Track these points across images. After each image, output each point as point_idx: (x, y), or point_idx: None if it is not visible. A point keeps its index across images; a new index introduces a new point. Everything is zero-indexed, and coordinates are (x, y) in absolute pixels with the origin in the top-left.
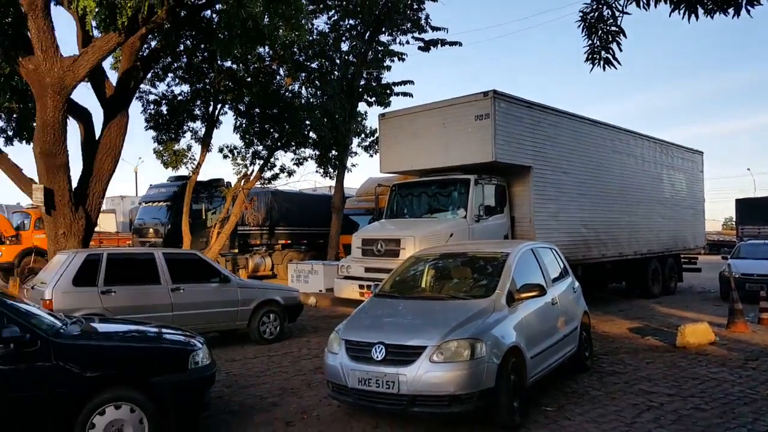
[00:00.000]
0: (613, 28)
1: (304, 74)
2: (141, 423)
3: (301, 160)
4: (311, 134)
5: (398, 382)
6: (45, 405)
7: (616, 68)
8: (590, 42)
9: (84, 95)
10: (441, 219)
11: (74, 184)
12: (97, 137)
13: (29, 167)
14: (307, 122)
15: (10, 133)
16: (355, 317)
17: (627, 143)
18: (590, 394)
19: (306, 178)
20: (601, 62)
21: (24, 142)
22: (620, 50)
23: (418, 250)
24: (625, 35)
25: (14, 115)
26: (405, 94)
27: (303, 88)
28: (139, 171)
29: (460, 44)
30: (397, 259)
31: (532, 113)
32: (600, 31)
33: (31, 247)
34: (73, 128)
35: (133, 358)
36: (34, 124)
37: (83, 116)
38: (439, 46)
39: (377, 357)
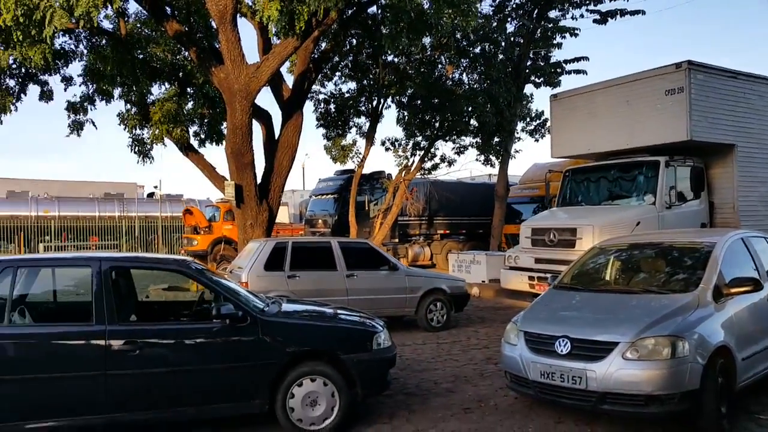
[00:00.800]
0: None
1: (466, 60)
2: (333, 396)
3: (462, 149)
4: (473, 121)
5: (586, 378)
6: (253, 374)
7: None
8: None
9: (262, 98)
10: (624, 206)
11: (258, 180)
12: (276, 136)
13: (219, 166)
14: (469, 109)
15: (202, 136)
16: (534, 309)
17: None
18: None
19: (466, 166)
20: None
21: (214, 143)
22: None
23: (600, 240)
24: None
25: (206, 120)
26: (578, 71)
27: (464, 74)
28: (306, 166)
29: (643, 13)
30: (573, 250)
31: (734, 84)
32: None
33: (221, 236)
34: (257, 129)
35: (326, 336)
36: (223, 127)
37: (264, 118)
38: (617, 17)
39: (561, 351)
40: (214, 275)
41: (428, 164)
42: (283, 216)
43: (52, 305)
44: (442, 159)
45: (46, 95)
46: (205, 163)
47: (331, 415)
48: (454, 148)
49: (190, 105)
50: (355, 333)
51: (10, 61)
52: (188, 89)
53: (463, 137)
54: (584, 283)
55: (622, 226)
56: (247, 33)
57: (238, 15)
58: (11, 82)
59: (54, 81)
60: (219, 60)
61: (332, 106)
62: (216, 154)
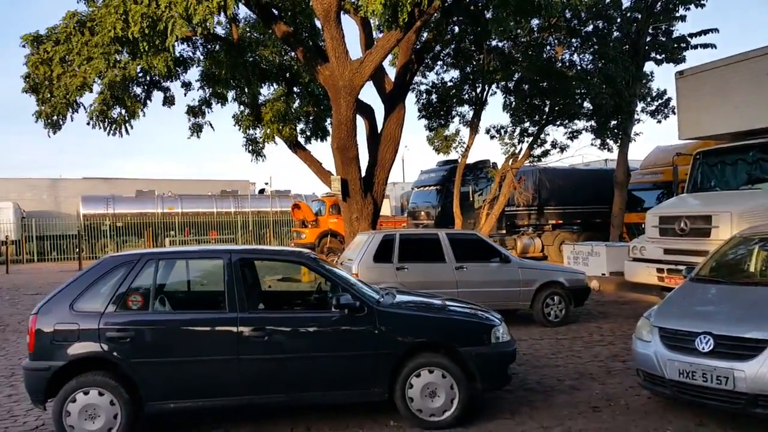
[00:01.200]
0: None
1: (577, 40)
2: (452, 389)
3: (574, 134)
4: (587, 104)
5: (733, 378)
6: (371, 363)
7: None
8: None
9: (365, 92)
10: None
11: (363, 174)
12: (379, 130)
13: (325, 161)
14: (583, 91)
15: (308, 133)
16: (668, 303)
17: None
18: None
19: (580, 152)
20: None
21: (319, 140)
22: None
23: (739, 229)
24: None
25: (311, 117)
26: (705, 45)
27: (576, 55)
28: (405, 158)
29: None
30: (708, 240)
31: None
32: None
33: (327, 230)
34: (360, 124)
35: (442, 328)
36: (328, 124)
37: (367, 112)
38: None
39: (703, 348)
40: (331, 266)
41: (537, 151)
42: (384, 209)
43: (187, 294)
44: (553, 145)
45: (169, 101)
46: (312, 159)
47: (450, 407)
48: (566, 133)
49: (296, 104)
50: (473, 326)
51: (138, 70)
52: (295, 89)
53: (575, 121)
54: (725, 275)
55: (765, 213)
56: (348, 29)
57: (341, 12)
58: (138, 90)
59: (175, 87)
60: (324, 58)
61: (434, 96)
62: (321, 150)
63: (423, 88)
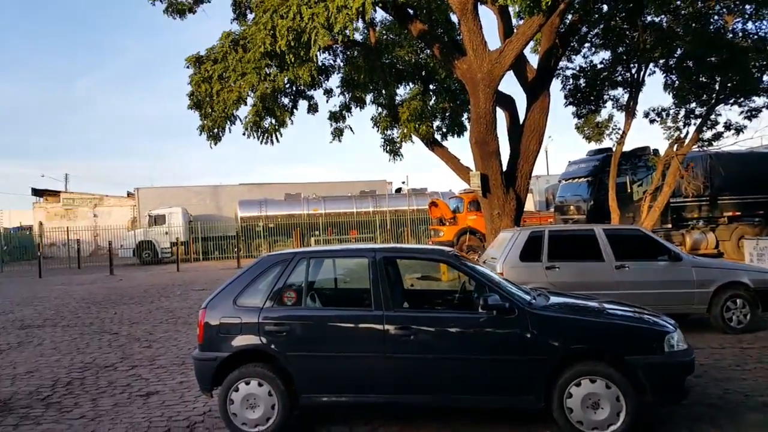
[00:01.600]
0: None
1: (751, 6)
2: (618, 401)
3: (752, 112)
4: (766, 78)
5: None
6: (524, 368)
7: None
8: None
9: (504, 82)
10: None
11: (504, 167)
12: (520, 121)
13: (462, 157)
14: (762, 63)
15: (444, 130)
16: None
17: None
18: None
19: (760, 133)
20: None
21: (456, 135)
22: None
23: None
24: None
25: (447, 113)
26: None
27: (750, 23)
28: (548, 150)
29: None
30: None
31: None
32: None
33: (466, 227)
34: (500, 116)
35: (605, 334)
36: (464, 119)
37: (507, 103)
38: None
39: None
40: (475, 264)
41: (707, 134)
42: (528, 204)
43: (335, 291)
44: (727, 126)
45: (313, 108)
46: (449, 156)
47: (616, 421)
48: (741, 112)
49: (432, 101)
50: (642, 332)
51: (285, 82)
52: (430, 86)
53: (753, 98)
54: None
55: None
56: (485, 19)
57: (478, 2)
58: (286, 100)
59: (317, 95)
60: (461, 52)
61: (582, 81)
62: (459, 146)
63: (569, 73)
